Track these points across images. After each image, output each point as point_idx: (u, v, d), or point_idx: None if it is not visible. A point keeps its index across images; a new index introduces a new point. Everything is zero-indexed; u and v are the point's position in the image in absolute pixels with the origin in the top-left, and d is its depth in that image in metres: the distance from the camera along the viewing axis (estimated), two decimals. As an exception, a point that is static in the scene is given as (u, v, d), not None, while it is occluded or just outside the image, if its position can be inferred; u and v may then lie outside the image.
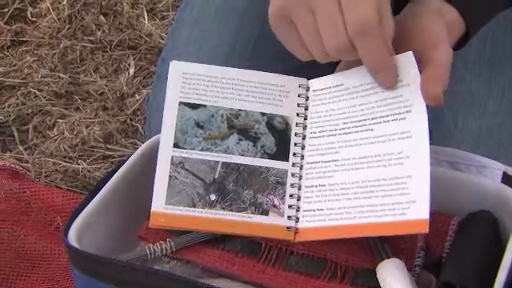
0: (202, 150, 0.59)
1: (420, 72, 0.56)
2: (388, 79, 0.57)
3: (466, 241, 0.55)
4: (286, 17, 0.58)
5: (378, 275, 0.54)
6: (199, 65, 0.61)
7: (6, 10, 1.26)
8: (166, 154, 0.59)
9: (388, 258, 0.55)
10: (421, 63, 0.56)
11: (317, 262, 0.57)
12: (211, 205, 0.58)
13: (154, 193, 0.58)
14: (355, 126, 0.57)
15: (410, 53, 0.56)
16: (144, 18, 1.22)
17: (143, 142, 0.64)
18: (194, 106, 0.60)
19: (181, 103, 0.60)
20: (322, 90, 0.61)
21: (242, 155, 0.59)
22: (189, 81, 0.61)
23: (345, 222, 0.55)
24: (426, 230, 0.51)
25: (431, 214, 0.52)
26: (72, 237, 0.56)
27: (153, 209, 0.57)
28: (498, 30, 0.74)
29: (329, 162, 0.58)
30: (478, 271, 0.53)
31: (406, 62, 0.56)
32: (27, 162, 0.99)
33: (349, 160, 0.57)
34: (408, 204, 0.52)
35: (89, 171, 0.97)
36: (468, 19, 0.62)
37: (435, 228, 0.55)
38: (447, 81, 0.56)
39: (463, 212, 0.57)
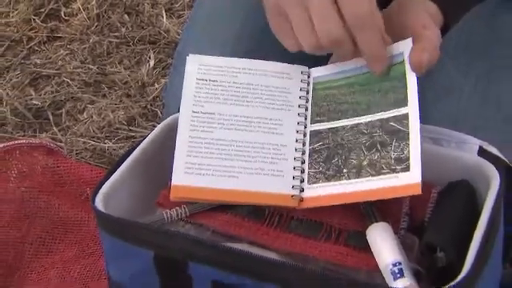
0: None
1: None
2: (381, 67, 0.56)
3: (446, 207, 0.54)
4: (280, 12, 0.57)
5: (367, 237, 0.54)
6: (213, 57, 0.61)
7: (43, 10, 1.25)
8: (185, 134, 0.58)
9: (377, 221, 0.54)
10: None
11: (314, 225, 0.55)
12: None
13: (174, 168, 0.57)
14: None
15: (410, 39, 0.56)
16: (163, 16, 1.21)
17: (161, 125, 0.64)
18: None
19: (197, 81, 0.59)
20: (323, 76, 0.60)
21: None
22: (203, 70, 0.60)
23: (346, 189, 0.54)
24: (419, 191, 0.51)
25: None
26: (99, 203, 0.55)
27: (173, 182, 0.56)
28: (474, 21, 0.73)
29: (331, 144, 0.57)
30: (456, 234, 0.52)
31: (406, 46, 0.56)
32: (61, 141, 0.99)
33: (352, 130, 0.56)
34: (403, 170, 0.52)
35: (114, 149, 0.97)
36: (446, 12, 0.61)
37: (418, 195, 0.54)
38: (435, 55, 0.55)
39: (444, 181, 0.56)
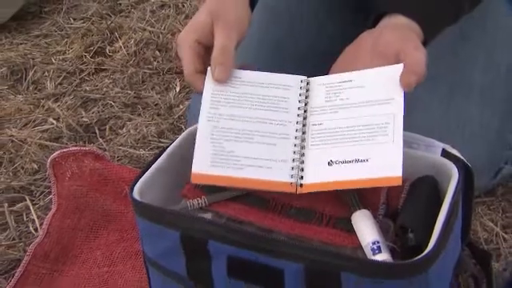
0: None
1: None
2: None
3: (416, 197, 0.53)
4: None
5: (352, 221, 0.52)
6: None
7: (92, 48, 1.25)
8: (205, 129, 0.55)
9: (359, 209, 0.53)
10: (403, 60, 0.54)
11: (309, 212, 0.54)
12: None
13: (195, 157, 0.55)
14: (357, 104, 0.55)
15: (401, 65, 0.54)
16: (186, 52, 1.21)
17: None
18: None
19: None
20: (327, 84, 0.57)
21: None
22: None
23: (341, 177, 0.52)
24: (400, 183, 0.50)
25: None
26: (136, 194, 0.54)
27: (193, 170, 0.54)
28: (441, 49, 0.72)
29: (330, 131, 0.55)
30: (424, 218, 0.51)
31: (397, 69, 0.54)
32: (105, 150, 0.98)
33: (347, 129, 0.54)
34: (389, 165, 0.50)
35: (147, 156, 0.97)
36: (426, 32, 0.60)
37: (393, 188, 0.53)
38: (423, 73, 0.53)
39: (414, 177, 0.55)
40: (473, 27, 0.76)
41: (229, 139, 0.55)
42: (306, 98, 0.57)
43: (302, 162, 0.54)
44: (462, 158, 0.54)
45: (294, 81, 0.57)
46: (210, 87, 0.57)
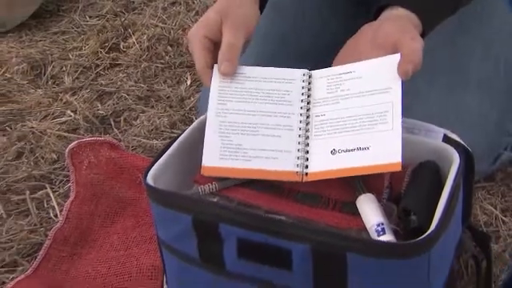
0: None
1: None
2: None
3: (418, 181, 0.52)
4: None
5: (357, 205, 0.52)
6: None
7: (107, 44, 1.25)
8: (214, 123, 0.56)
9: (364, 193, 0.52)
10: (400, 50, 0.53)
11: (315, 197, 0.54)
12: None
13: (205, 151, 0.55)
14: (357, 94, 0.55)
15: (398, 54, 0.53)
16: (197, 47, 1.20)
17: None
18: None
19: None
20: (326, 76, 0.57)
21: None
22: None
23: (344, 165, 0.52)
24: (399, 169, 0.49)
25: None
26: (149, 180, 0.54)
27: (203, 164, 0.55)
28: (440, 41, 0.71)
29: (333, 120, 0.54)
30: (426, 201, 0.50)
31: (395, 59, 0.53)
32: (120, 140, 0.98)
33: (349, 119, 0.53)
34: (389, 152, 0.50)
35: (160, 146, 0.96)
36: (424, 23, 0.59)
37: (396, 173, 0.53)
38: (420, 62, 0.52)
39: (416, 162, 0.54)
40: (472, 19, 0.75)
41: (236, 133, 0.55)
42: (309, 90, 0.57)
43: (307, 152, 0.54)
44: (462, 142, 0.53)
45: (297, 74, 0.57)
46: (216, 84, 0.57)
